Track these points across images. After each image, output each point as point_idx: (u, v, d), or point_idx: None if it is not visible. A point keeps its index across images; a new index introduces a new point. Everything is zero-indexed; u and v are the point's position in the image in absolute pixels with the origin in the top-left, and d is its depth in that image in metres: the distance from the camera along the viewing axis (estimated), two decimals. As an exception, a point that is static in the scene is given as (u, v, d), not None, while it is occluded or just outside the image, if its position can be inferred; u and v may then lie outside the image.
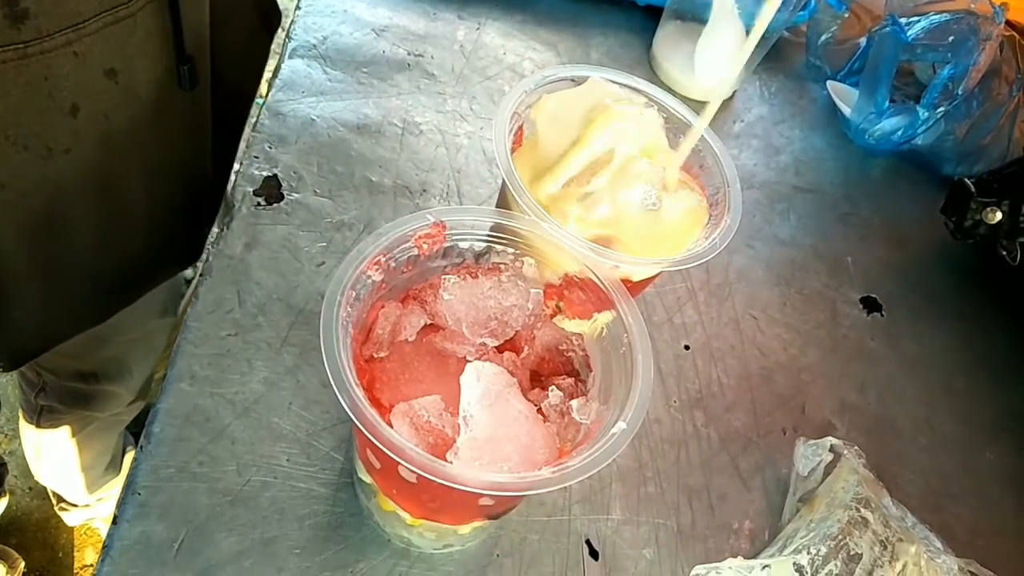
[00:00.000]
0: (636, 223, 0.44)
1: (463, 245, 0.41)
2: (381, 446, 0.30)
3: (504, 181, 0.42)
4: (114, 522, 0.42)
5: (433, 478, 0.30)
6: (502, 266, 0.42)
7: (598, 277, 0.40)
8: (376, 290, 0.38)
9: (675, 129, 0.49)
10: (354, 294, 0.36)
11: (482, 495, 0.34)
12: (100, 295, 0.67)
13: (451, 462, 0.33)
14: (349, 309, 0.35)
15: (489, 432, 0.35)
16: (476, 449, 0.34)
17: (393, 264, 0.38)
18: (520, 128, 0.47)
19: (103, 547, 0.41)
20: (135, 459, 0.44)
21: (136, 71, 0.53)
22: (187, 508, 0.43)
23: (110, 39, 0.50)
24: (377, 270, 0.37)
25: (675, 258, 0.43)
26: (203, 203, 0.73)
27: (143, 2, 0.51)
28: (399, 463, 0.31)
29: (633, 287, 0.47)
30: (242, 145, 0.69)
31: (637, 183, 0.44)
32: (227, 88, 0.64)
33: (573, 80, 0.48)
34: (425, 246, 0.39)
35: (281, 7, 0.69)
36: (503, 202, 0.47)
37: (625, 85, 0.49)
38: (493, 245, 0.41)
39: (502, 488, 0.31)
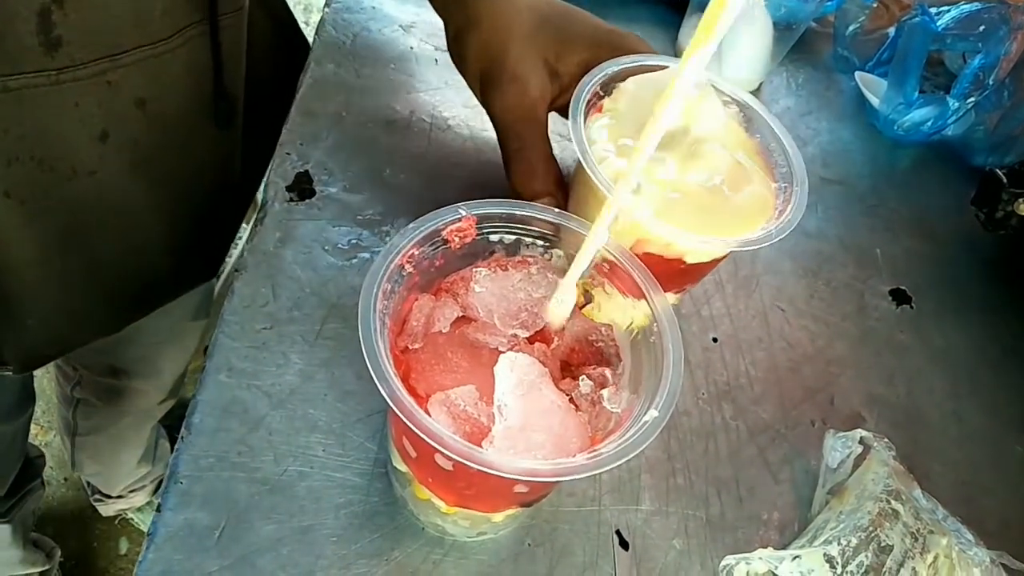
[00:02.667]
0: (699, 203, 0.45)
1: (493, 238, 0.42)
2: (419, 433, 0.31)
3: (578, 160, 0.43)
4: (157, 510, 0.43)
5: (470, 464, 0.31)
6: (530, 259, 0.42)
7: (626, 261, 0.40)
8: (409, 283, 0.39)
9: (747, 121, 0.51)
10: (389, 287, 0.37)
11: (517, 481, 0.34)
12: (116, 307, 0.68)
13: (487, 450, 0.34)
14: (385, 302, 0.36)
15: (523, 421, 0.35)
16: (511, 438, 0.35)
17: (425, 258, 0.39)
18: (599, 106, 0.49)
19: (147, 534, 0.42)
20: (176, 448, 0.45)
21: (167, 103, 0.54)
22: (227, 496, 0.44)
23: (145, 71, 0.50)
24: (410, 263, 0.38)
25: (725, 239, 0.43)
26: (224, 224, 0.74)
27: (183, 39, 0.51)
28: (436, 450, 0.31)
29: (688, 271, 0.47)
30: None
31: (706, 163, 0.45)
32: (256, 120, 0.65)
33: (652, 67, 0.50)
34: (456, 239, 0.40)
35: (310, 3, 0.70)
36: (576, 184, 0.49)
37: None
38: (522, 238, 0.42)
39: (536, 474, 0.32)
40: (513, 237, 0.42)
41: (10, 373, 0.63)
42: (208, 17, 0.52)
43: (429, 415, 0.35)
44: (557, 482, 0.42)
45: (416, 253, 0.38)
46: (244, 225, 1.60)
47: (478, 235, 0.41)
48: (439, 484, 0.40)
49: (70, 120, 0.49)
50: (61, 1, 0.44)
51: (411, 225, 0.38)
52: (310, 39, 0.69)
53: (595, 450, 0.34)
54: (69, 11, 0.44)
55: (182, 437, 0.45)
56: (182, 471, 0.44)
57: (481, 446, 0.34)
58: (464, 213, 0.39)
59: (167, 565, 0.41)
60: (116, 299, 0.66)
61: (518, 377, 0.37)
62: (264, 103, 0.65)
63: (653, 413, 0.35)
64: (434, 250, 0.39)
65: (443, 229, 0.39)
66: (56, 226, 0.54)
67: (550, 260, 0.42)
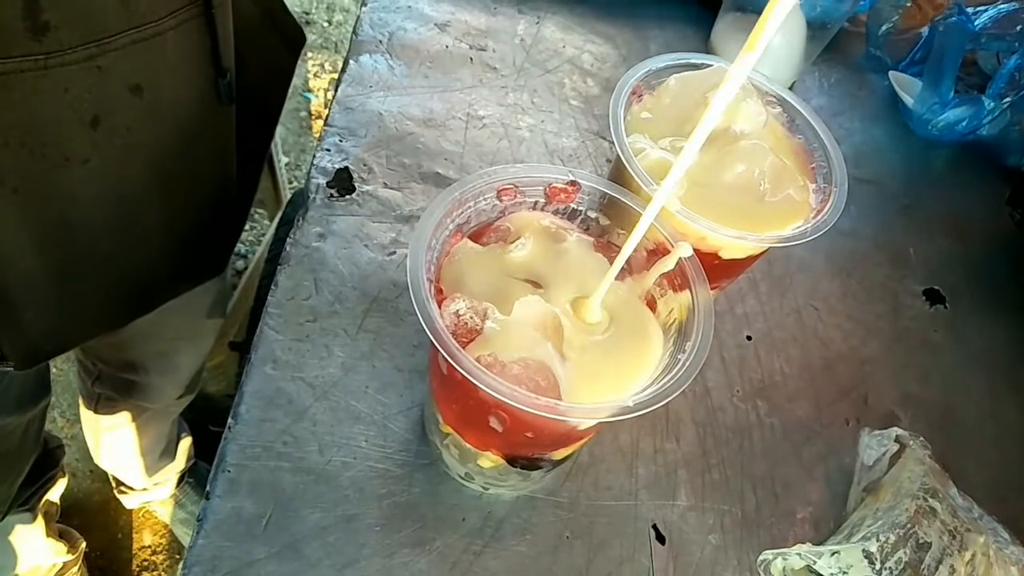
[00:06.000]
0: (735, 200, 0.46)
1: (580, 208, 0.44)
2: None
3: (618, 153, 0.44)
4: (206, 498, 0.44)
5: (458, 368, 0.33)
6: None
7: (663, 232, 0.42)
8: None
9: (790, 122, 0.52)
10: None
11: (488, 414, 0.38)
12: (115, 302, 0.67)
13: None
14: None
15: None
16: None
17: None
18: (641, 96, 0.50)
19: (197, 520, 0.43)
20: (224, 437, 0.46)
21: (163, 88, 0.53)
22: (274, 485, 0.45)
23: (136, 56, 0.50)
24: (505, 199, 0.42)
25: (760, 235, 0.44)
26: (227, 218, 0.73)
27: (174, 22, 0.51)
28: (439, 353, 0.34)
29: (723, 266, 0.48)
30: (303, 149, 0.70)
31: (744, 161, 0.46)
32: (252, 107, 0.64)
33: (696, 66, 0.51)
34: (560, 198, 0.43)
35: (347, 4, 0.71)
36: (616, 174, 0.50)
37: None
38: (588, 211, 0.44)
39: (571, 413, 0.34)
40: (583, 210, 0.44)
41: (11, 369, 0.62)
42: None
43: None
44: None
45: (513, 189, 0.42)
46: (267, 222, 1.62)
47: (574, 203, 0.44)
48: (440, 389, 0.43)
49: (60, 106, 0.48)
50: None
51: (517, 166, 0.42)
52: (334, 39, 0.70)
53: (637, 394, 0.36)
54: None
55: (229, 427, 0.46)
56: (229, 460, 0.45)
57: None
58: (573, 178, 0.43)
59: (216, 551, 0.42)
60: (114, 293, 0.65)
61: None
62: (258, 88, 0.64)
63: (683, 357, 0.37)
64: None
65: (547, 184, 0.42)
66: (50, 215, 0.54)
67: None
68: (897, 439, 0.55)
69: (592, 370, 0.38)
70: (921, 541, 0.47)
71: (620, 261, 0.38)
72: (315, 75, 2.02)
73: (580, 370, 0.38)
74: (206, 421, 1.33)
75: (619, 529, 0.49)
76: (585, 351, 0.38)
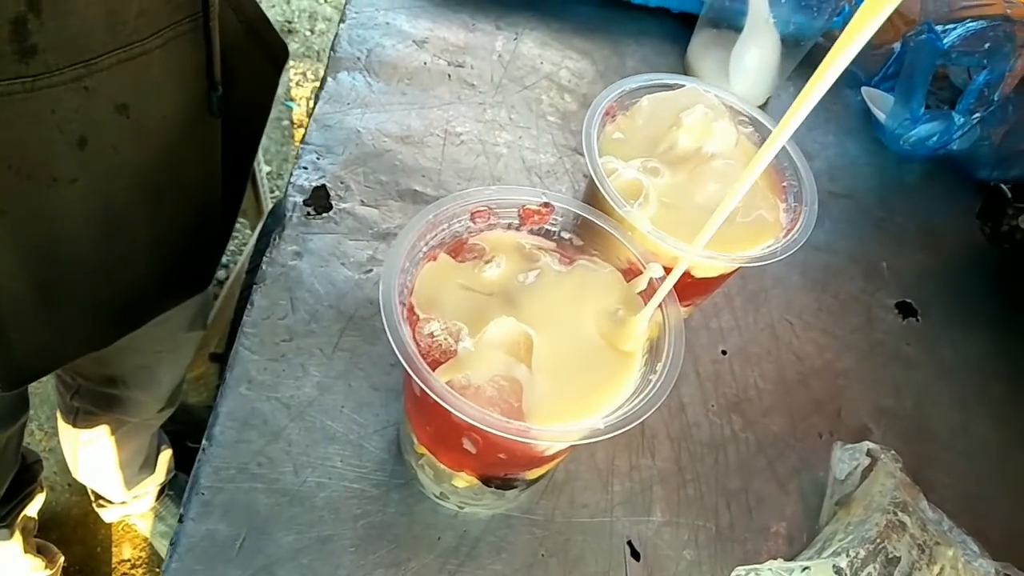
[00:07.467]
0: (706, 220, 0.46)
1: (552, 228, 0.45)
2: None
3: (591, 174, 0.45)
4: (180, 520, 0.44)
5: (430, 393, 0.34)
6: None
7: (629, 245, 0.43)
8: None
9: (761, 141, 0.52)
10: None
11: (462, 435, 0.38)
12: (103, 320, 0.67)
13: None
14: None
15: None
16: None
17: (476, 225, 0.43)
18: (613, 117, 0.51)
19: (170, 544, 0.43)
20: (197, 460, 0.46)
21: (150, 106, 0.53)
22: (248, 507, 0.45)
23: (123, 75, 0.50)
24: (478, 221, 0.42)
25: (731, 255, 0.45)
26: (212, 233, 0.73)
27: (160, 41, 0.51)
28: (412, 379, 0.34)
29: (695, 284, 0.49)
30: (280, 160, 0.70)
31: (714, 180, 0.47)
32: (236, 122, 0.64)
33: (669, 86, 0.52)
34: (534, 220, 0.44)
35: (329, 13, 0.71)
36: (590, 193, 0.50)
37: (718, 96, 0.52)
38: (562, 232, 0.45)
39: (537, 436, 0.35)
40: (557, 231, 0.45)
41: None
42: (194, 13, 0.52)
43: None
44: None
45: (487, 211, 0.42)
46: (249, 232, 1.62)
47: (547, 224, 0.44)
48: (414, 410, 0.43)
49: (47, 127, 0.48)
50: (37, 10, 0.43)
51: (491, 188, 0.42)
52: (316, 48, 0.70)
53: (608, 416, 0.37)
54: (46, 19, 0.43)
55: (203, 449, 0.46)
56: (203, 482, 0.45)
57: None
58: (546, 200, 0.43)
59: (189, 575, 0.42)
60: (102, 312, 0.65)
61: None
62: (243, 104, 0.65)
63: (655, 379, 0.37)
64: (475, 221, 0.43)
65: (520, 206, 0.43)
66: (38, 235, 0.53)
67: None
68: (869, 453, 0.55)
69: (564, 391, 0.38)
70: (890, 556, 0.48)
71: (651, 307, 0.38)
72: (297, 84, 2.01)
73: (552, 391, 0.38)
74: (187, 433, 1.32)
75: (594, 546, 0.49)
76: (558, 372, 0.39)
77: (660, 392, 0.37)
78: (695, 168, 0.48)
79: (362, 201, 0.59)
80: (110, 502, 1.30)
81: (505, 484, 0.44)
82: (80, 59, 0.47)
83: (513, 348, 0.38)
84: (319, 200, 0.58)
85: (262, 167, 1.50)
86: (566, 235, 0.45)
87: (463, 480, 0.44)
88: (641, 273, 0.42)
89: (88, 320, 0.64)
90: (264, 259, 0.54)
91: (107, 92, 0.50)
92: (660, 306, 0.40)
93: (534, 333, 0.39)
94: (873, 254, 0.71)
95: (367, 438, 0.49)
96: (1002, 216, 0.67)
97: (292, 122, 1.93)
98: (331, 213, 0.58)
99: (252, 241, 1.45)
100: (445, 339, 0.38)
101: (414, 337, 0.38)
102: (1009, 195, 0.67)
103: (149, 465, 1.24)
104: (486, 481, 0.43)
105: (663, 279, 0.41)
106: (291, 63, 2.05)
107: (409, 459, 0.47)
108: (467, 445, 0.39)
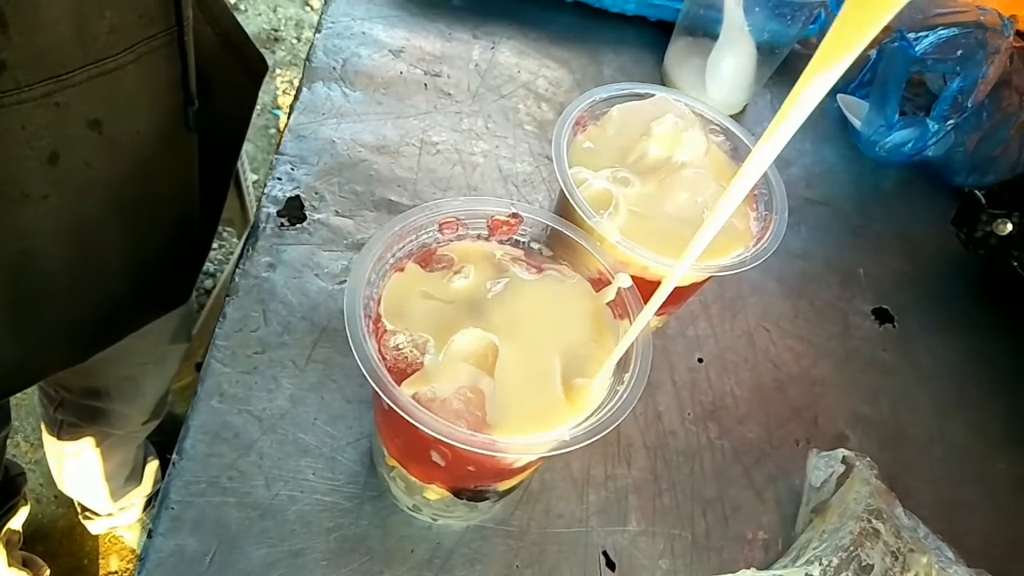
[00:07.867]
0: (675, 229, 0.47)
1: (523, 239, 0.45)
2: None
3: (562, 184, 0.45)
4: (149, 536, 0.43)
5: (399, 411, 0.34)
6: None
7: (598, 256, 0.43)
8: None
9: (732, 150, 0.53)
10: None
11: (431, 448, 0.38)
12: (78, 335, 0.66)
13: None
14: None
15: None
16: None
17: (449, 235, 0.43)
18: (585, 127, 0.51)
19: (139, 560, 0.43)
20: (168, 474, 0.46)
21: (123, 122, 0.53)
22: (218, 522, 0.44)
23: (95, 91, 0.49)
24: (447, 232, 0.42)
25: (700, 264, 0.45)
26: (190, 247, 0.72)
27: (133, 56, 0.50)
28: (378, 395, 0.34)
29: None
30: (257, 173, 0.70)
31: (683, 189, 0.47)
32: (214, 136, 0.64)
33: (639, 95, 0.52)
34: (503, 230, 0.44)
35: (316, 21, 0.71)
36: (562, 203, 0.50)
37: (688, 105, 0.53)
38: (531, 242, 0.45)
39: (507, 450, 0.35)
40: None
41: None
42: (169, 28, 0.52)
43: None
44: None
45: (456, 222, 0.42)
46: (236, 241, 1.61)
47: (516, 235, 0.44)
48: (384, 423, 0.43)
49: (17, 143, 0.47)
50: (4, 25, 0.42)
51: (460, 200, 0.42)
52: (303, 54, 0.70)
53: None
54: (13, 35, 0.43)
55: (173, 463, 0.46)
56: (173, 497, 0.45)
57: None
58: (515, 211, 0.43)
59: (158, 591, 0.42)
60: (78, 327, 0.64)
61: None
62: (220, 117, 0.64)
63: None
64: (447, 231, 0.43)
65: (490, 216, 0.43)
66: (8, 252, 0.53)
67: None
68: (844, 460, 0.56)
69: (529, 402, 0.38)
70: (864, 563, 0.48)
71: (621, 348, 0.38)
72: (284, 92, 2.01)
73: (517, 402, 0.38)
74: (173, 443, 1.31)
75: (569, 556, 0.49)
76: (523, 383, 0.39)
77: (627, 403, 0.37)
78: (665, 177, 0.48)
79: (337, 211, 0.59)
80: (96, 514, 1.29)
81: (477, 496, 0.44)
82: (50, 75, 0.46)
83: (480, 359, 0.38)
84: (293, 211, 0.58)
85: (248, 176, 1.50)
86: (536, 245, 0.45)
87: (435, 492, 0.44)
88: (610, 283, 0.42)
89: (63, 335, 0.64)
90: (237, 271, 0.54)
91: (79, 108, 0.49)
92: (629, 319, 0.41)
93: (500, 343, 0.39)
94: (850, 260, 0.72)
95: (340, 450, 0.49)
96: (977, 222, 0.68)
97: (279, 130, 1.93)
98: (305, 224, 0.58)
99: (238, 250, 1.45)
100: (411, 351, 0.38)
101: (380, 351, 0.38)
102: (983, 201, 0.67)
103: (135, 477, 1.23)
104: (457, 493, 0.43)
105: (631, 288, 0.41)
106: (278, 71, 2.05)
107: (381, 471, 0.47)
108: (436, 458, 0.39)
